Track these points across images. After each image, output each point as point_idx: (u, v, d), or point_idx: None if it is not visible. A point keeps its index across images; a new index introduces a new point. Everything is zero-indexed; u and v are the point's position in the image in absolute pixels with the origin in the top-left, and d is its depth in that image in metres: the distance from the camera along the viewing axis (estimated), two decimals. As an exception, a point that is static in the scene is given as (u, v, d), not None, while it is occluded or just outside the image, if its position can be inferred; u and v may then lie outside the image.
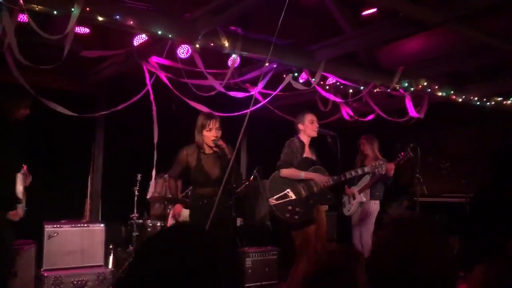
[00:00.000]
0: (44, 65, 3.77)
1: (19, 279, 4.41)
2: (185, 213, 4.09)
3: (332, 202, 4.48)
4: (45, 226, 4.74)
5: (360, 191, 5.70)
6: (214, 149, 4.04)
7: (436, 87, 5.73)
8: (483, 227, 6.00)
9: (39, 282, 4.55)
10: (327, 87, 5.50)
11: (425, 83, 5.59)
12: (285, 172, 4.28)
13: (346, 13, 4.66)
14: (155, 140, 4.84)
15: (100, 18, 3.54)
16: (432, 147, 7.98)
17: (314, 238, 4.27)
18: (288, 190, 4.25)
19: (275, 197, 4.25)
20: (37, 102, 4.06)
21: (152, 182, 5.19)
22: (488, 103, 6.20)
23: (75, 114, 4.32)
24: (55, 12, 3.39)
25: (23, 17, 3.53)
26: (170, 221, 4.84)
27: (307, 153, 4.43)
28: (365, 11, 5.06)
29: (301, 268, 4.24)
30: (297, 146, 4.33)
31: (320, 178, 4.29)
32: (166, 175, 5.70)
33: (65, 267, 4.71)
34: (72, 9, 3.36)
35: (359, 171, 4.72)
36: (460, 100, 5.98)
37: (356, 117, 5.99)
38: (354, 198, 5.73)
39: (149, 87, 4.67)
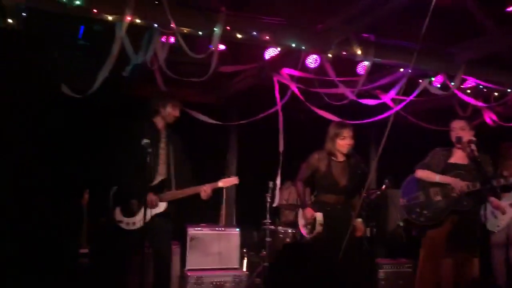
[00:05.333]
0: (186, 81, 4.11)
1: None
2: (319, 217, 4.04)
3: (467, 209, 4.04)
4: (188, 229, 5.13)
5: (512, 205, 5.17)
6: (347, 156, 4.07)
7: None
8: None
9: (182, 280, 4.93)
10: (468, 91, 5.13)
11: None
12: (420, 173, 4.21)
13: (488, 11, 4.32)
14: (281, 149, 5.00)
15: (239, 36, 3.77)
16: None
17: (441, 247, 4.04)
18: (420, 192, 4.18)
19: (406, 197, 4.23)
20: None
21: (277, 190, 5.32)
22: None
23: (219, 123, 4.64)
24: (200, 33, 3.69)
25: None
26: (302, 223, 4.66)
27: (458, 159, 4.16)
28: (509, 7, 4.63)
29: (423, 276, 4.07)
30: (439, 154, 4.21)
31: (456, 183, 4.02)
32: (291, 183, 5.79)
33: (205, 268, 5.01)
34: (215, 29, 3.63)
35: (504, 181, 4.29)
36: None
37: (501, 122, 5.49)
38: (503, 213, 5.21)
39: (277, 98, 4.83)
